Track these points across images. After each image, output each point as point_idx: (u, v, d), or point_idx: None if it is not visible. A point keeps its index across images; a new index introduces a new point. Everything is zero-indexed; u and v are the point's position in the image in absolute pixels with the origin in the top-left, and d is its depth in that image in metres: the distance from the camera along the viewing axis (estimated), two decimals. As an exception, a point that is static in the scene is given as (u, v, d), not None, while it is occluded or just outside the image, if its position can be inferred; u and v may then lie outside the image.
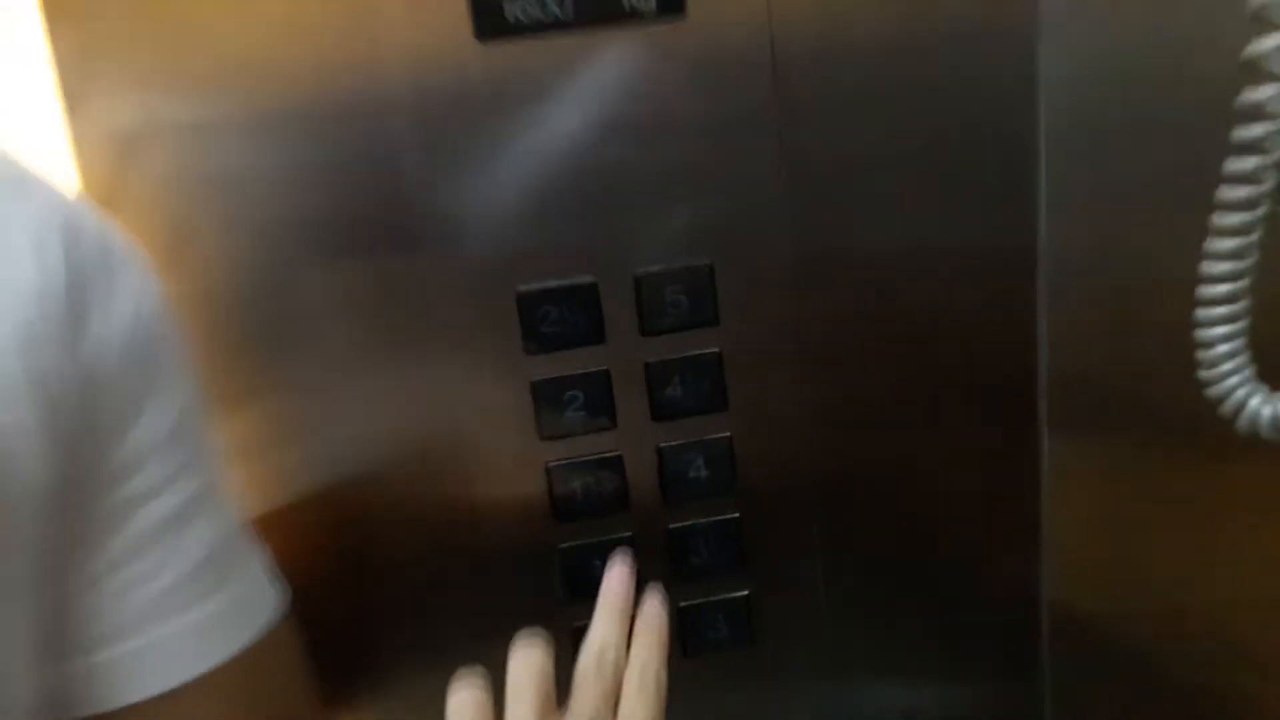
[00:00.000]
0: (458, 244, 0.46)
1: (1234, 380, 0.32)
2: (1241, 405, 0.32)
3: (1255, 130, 0.29)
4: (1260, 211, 0.30)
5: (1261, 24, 0.29)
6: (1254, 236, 0.31)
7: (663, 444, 0.50)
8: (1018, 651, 0.55)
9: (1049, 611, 0.54)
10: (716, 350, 0.49)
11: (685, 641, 0.53)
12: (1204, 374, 0.32)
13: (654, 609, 0.44)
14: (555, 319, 0.47)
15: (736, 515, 0.52)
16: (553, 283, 0.47)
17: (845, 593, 0.54)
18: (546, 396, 0.48)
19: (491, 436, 0.49)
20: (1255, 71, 0.29)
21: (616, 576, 0.46)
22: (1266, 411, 0.31)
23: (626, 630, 0.42)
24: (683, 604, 0.52)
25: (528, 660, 0.40)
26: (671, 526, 0.51)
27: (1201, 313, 0.32)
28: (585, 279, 0.47)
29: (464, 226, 0.46)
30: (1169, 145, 0.44)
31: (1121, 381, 0.48)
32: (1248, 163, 0.29)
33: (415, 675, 0.51)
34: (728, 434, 0.50)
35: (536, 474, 0.49)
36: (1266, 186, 0.30)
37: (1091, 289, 0.48)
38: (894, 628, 0.55)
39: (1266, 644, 0.51)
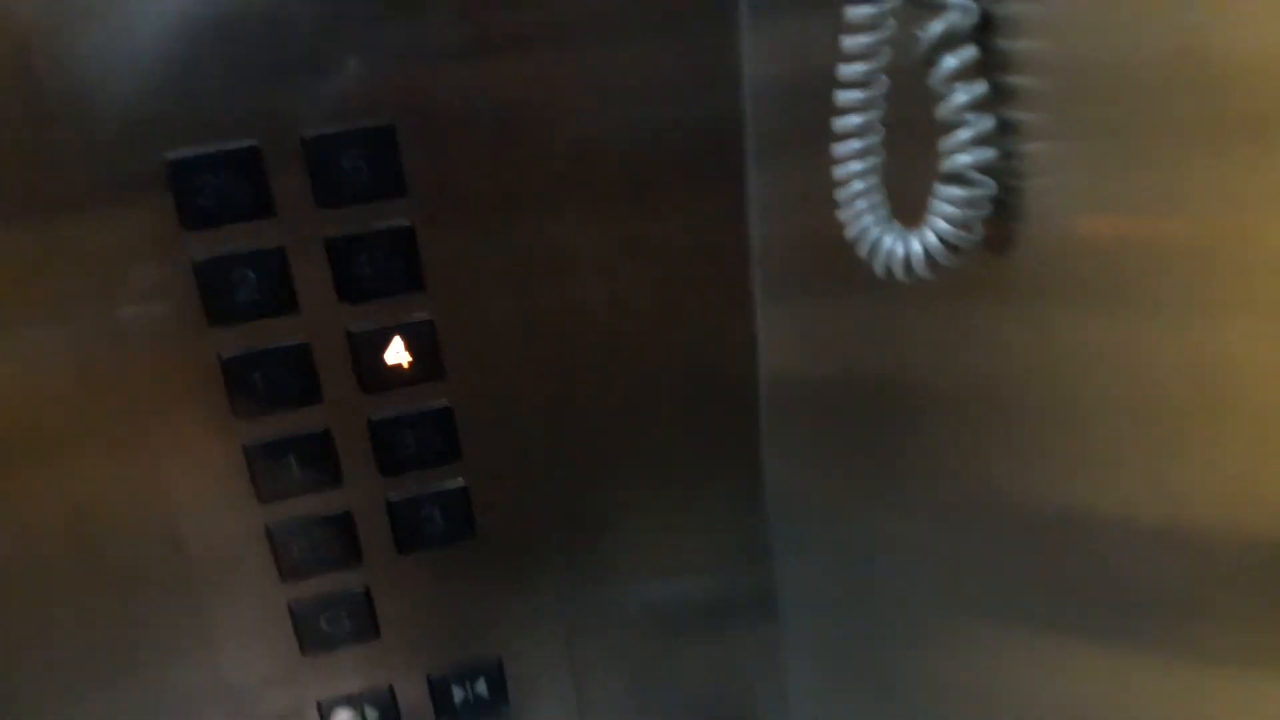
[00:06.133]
0: (95, 111, 0.42)
1: (868, 220, 0.31)
2: (875, 245, 0.31)
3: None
4: (886, 8, 0.29)
5: None
6: (881, 60, 0.30)
7: (353, 328, 0.47)
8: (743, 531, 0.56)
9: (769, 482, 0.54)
10: (406, 222, 0.46)
11: (400, 538, 0.51)
12: (841, 214, 0.31)
13: None
14: (214, 190, 0.44)
15: (446, 403, 0.50)
16: (208, 148, 0.43)
17: (568, 480, 0.53)
18: (213, 277, 0.45)
19: (153, 329, 0.45)
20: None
21: None
22: (900, 250, 0.30)
23: None
24: (392, 497, 0.51)
25: None
26: (372, 419, 0.49)
27: (836, 147, 0.31)
28: (245, 143, 0.44)
29: (101, 89, 0.42)
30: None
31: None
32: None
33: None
34: (428, 316, 0.48)
35: (207, 364, 0.46)
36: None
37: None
38: (619, 515, 0.55)
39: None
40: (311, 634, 0.52)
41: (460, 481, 0.51)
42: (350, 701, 0.54)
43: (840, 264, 0.43)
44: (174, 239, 0.44)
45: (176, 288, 0.45)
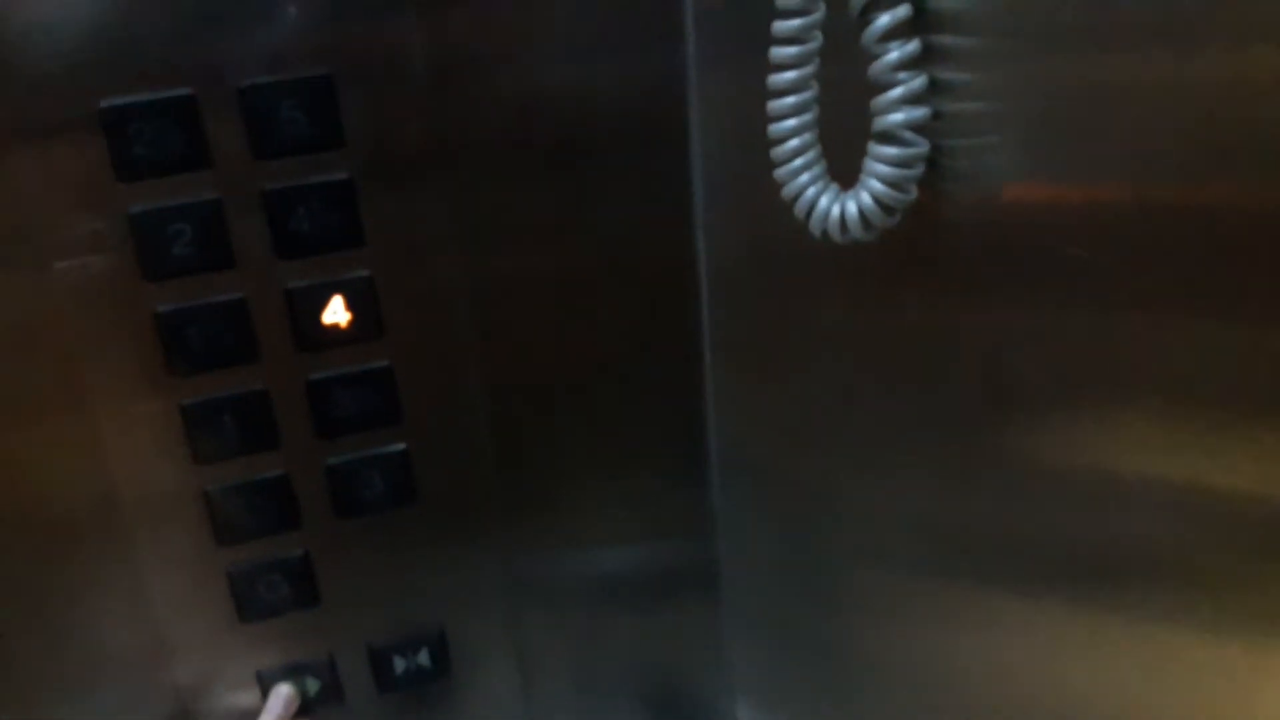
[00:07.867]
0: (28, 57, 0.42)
1: (804, 179, 0.31)
2: (812, 205, 0.32)
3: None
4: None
5: None
6: (817, 14, 0.30)
7: (291, 285, 0.47)
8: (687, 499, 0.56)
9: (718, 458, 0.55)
10: (345, 175, 0.46)
11: (339, 502, 0.52)
12: (777, 173, 0.32)
13: None
14: (149, 139, 0.44)
15: (387, 363, 0.50)
16: (142, 96, 0.43)
17: (511, 445, 0.53)
18: (148, 230, 0.45)
19: (87, 282, 0.45)
20: None
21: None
22: (835, 211, 0.31)
23: None
24: (331, 461, 0.51)
25: None
26: (310, 379, 0.49)
27: (771, 104, 0.31)
28: (180, 91, 0.44)
29: (34, 34, 0.42)
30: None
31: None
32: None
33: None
34: (367, 273, 0.48)
35: (142, 319, 0.46)
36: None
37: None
38: (563, 481, 0.55)
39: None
40: (250, 601, 0.52)
41: (401, 445, 0.52)
42: (290, 670, 0.54)
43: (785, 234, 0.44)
44: (109, 190, 0.44)
45: (111, 240, 0.45)
